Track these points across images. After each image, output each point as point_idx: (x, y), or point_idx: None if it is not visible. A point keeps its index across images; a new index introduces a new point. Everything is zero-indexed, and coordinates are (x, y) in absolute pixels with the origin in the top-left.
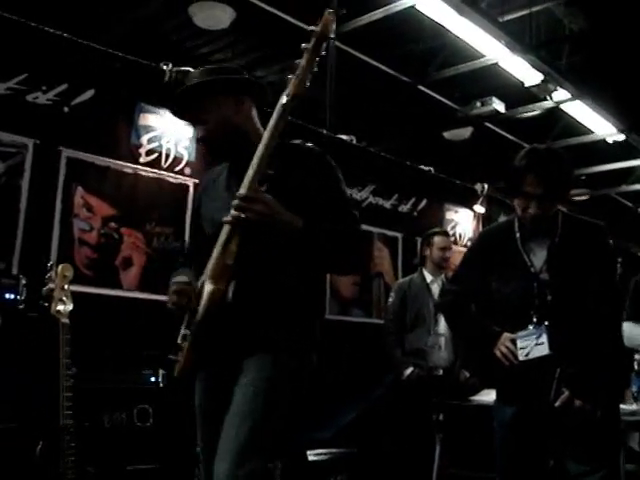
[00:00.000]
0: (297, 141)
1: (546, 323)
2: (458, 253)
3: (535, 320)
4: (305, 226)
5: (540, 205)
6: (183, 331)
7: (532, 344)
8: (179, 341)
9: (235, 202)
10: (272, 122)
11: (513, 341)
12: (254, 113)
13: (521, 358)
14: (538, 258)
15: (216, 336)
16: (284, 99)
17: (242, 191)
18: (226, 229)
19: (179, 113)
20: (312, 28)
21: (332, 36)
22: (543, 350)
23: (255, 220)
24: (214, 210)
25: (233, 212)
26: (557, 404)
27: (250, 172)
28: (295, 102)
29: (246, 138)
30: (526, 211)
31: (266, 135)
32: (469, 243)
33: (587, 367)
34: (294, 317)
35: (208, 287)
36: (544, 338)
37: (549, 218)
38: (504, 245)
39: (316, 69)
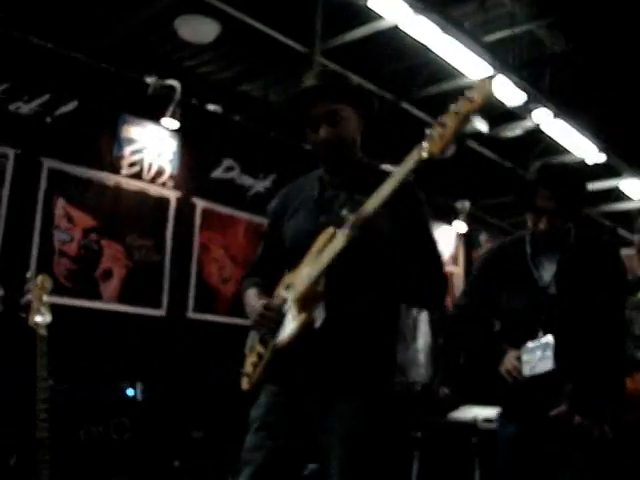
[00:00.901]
0: (387, 166)
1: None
2: None
3: (541, 334)
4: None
5: (551, 220)
6: (258, 346)
7: (537, 358)
8: (247, 351)
9: (358, 218)
10: (405, 168)
11: (519, 358)
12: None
13: (526, 373)
14: (547, 272)
15: (302, 360)
16: (423, 155)
17: (368, 211)
18: (336, 247)
19: (301, 101)
20: (467, 94)
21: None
22: (547, 365)
23: (373, 239)
24: (301, 222)
25: (352, 225)
26: (552, 413)
27: (376, 199)
28: (431, 160)
29: (353, 156)
30: (537, 226)
31: (397, 177)
32: (449, 260)
33: (590, 384)
34: (381, 352)
35: (296, 312)
36: (549, 353)
37: (561, 233)
38: (514, 259)
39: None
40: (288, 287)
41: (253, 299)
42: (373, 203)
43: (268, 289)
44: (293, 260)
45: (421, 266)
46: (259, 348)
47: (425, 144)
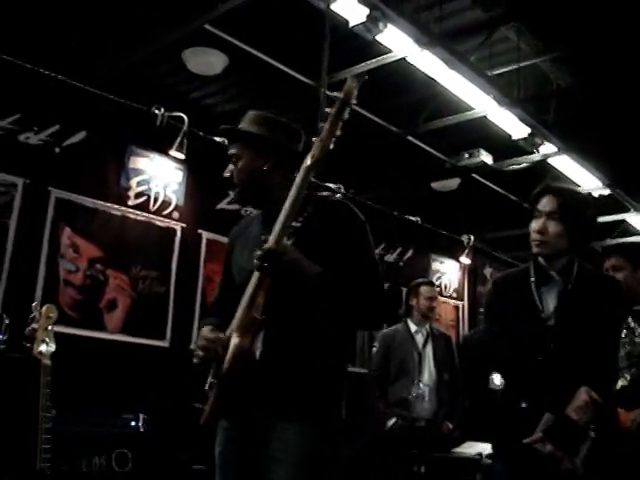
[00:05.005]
0: (325, 193)
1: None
2: (443, 303)
3: (539, 366)
4: (321, 273)
5: (545, 228)
6: (210, 379)
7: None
8: (206, 388)
9: (259, 253)
10: (297, 182)
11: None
12: (290, 171)
13: (523, 405)
14: (549, 303)
15: (245, 390)
16: (308, 161)
17: (268, 245)
18: (254, 281)
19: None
20: (335, 94)
21: (354, 102)
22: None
23: (278, 273)
24: (243, 260)
25: (256, 262)
26: (526, 440)
27: (277, 227)
28: (319, 165)
29: (274, 190)
30: (534, 232)
31: (292, 193)
32: (454, 294)
33: (567, 418)
34: (326, 374)
35: (234, 340)
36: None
37: (561, 260)
38: (518, 289)
39: (339, 132)
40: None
41: (200, 335)
42: (275, 231)
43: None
44: (241, 295)
45: (353, 284)
46: (213, 382)
47: (310, 153)
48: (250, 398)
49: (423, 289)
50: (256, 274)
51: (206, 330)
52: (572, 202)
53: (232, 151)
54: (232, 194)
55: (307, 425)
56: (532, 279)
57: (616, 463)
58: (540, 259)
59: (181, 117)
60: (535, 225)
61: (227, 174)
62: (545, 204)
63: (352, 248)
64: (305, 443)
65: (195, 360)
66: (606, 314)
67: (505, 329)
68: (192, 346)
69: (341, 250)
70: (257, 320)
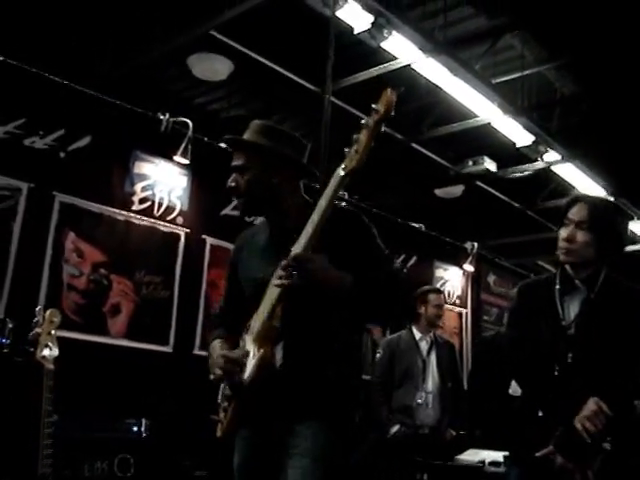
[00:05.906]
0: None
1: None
2: (446, 310)
3: (557, 374)
4: (354, 281)
5: (573, 236)
6: (225, 391)
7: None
8: (220, 400)
9: (285, 262)
10: (328, 193)
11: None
12: (297, 182)
13: (540, 414)
14: (571, 312)
15: (263, 398)
16: (342, 172)
17: (295, 251)
18: (275, 291)
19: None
20: (374, 106)
21: (392, 114)
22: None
23: (307, 280)
24: (254, 269)
25: (282, 272)
26: (538, 454)
27: (304, 239)
28: (352, 176)
29: (283, 201)
30: (562, 240)
31: (322, 204)
32: (457, 301)
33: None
34: (342, 381)
35: (254, 349)
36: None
37: (587, 269)
38: (543, 296)
39: (374, 143)
40: (248, 330)
41: (214, 351)
42: (301, 242)
43: (234, 336)
44: (252, 305)
45: (375, 286)
46: (229, 393)
47: (343, 164)
48: (271, 406)
49: (431, 297)
50: (275, 287)
51: (219, 346)
52: (602, 212)
53: (238, 162)
54: (238, 204)
55: (323, 425)
56: (557, 287)
57: (633, 476)
58: (567, 267)
59: (186, 122)
60: (564, 233)
61: (232, 184)
62: (575, 213)
63: (368, 254)
64: (320, 439)
65: (212, 378)
66: (630, 326)
67: (524, 335)
68: (196, 351)
69: (357, 257)
70: (276, 329)
